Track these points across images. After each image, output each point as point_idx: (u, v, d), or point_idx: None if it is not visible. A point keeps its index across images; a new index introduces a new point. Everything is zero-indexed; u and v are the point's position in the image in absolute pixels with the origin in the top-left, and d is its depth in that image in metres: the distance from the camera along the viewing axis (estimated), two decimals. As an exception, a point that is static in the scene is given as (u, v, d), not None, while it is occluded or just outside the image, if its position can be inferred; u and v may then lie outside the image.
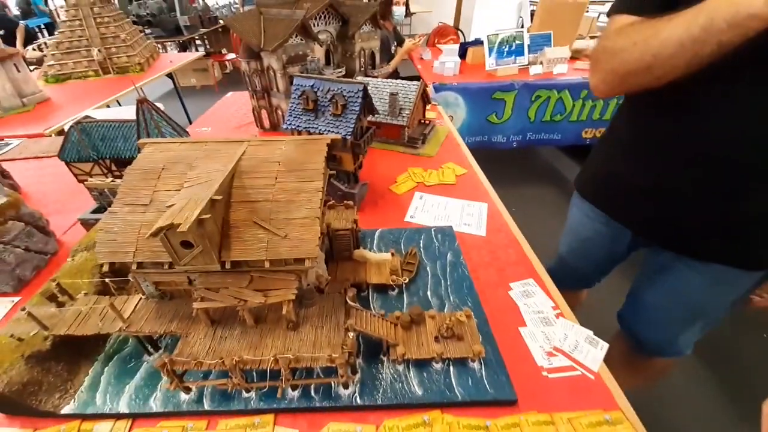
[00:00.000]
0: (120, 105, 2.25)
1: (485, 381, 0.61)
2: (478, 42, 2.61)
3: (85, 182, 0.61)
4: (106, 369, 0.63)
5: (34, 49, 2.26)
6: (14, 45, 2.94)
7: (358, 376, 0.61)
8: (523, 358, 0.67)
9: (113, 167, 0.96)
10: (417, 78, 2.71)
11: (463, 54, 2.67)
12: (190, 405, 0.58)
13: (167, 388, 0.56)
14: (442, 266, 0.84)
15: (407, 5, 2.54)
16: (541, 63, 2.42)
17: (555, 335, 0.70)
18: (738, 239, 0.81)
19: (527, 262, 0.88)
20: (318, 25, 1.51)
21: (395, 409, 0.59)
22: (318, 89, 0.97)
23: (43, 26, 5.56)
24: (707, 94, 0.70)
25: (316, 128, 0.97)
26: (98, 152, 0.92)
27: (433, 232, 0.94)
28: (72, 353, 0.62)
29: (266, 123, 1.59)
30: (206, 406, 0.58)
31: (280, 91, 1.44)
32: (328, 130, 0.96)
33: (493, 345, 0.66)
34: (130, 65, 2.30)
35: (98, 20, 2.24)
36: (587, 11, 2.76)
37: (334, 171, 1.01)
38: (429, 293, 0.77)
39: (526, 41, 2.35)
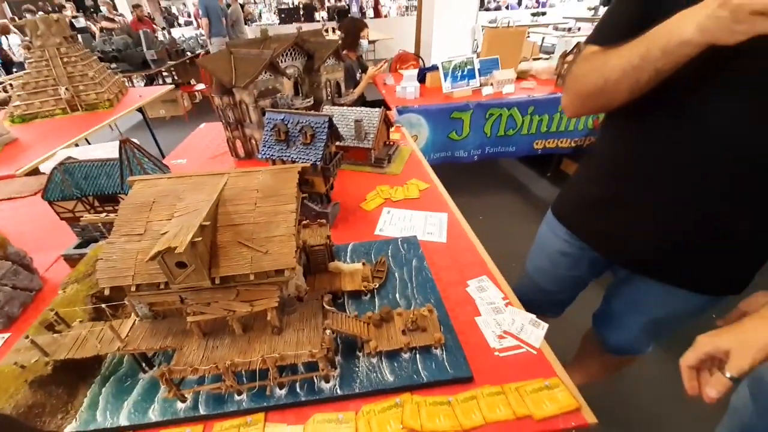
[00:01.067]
0: (89, 143, 2.27)
1: (446, 363, 0.71)
2: (434, 68, 2.85)
3: (81, 218, 0.68)
4: (103, 389, 0.68)
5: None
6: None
7: (337, 371, 0.70)
8: (478, 342, 0.78)
9: (95, 203, 1.02)
10: (382, 101, 2.92)
11: (422, 78, 2.90)
12: (186, 412, 0.65)
13: (165, 396, 0.63)
14: (408, 271, 0.95)
15: (366, 36, 2.74)
16: (491, 84, 2.68)
17: (504, 321, 0.82)
18: (687, 262, 0.84)
19: (482, 262, 1.01)
20: (285, 60, 1.64)
21: (371, 395, 0.68)
22: (288, 122, 1.08)
23: (-2, 65, 5.41)
24: (669, 115, 0.74)
25: (289, 156, 1.08)
26: (81, 190, 0.98)
27: (399, 242, 1.06)
28: (71, 377, 0.67)
29: (241, 152, 1.67)
30: (202, 411, 0.65)
31: (252, 122, 1.55)
32: (300, 158, 1.07)
33: (453, 333, 0.77)
34: (99, 102, 2.33)
35: (65, 60, 2.28)
36: (528, 36, 3.10)
37: (306, 194, 1.11)
38: (397, 295, 0.88)
39: (477, 65, 2.61)
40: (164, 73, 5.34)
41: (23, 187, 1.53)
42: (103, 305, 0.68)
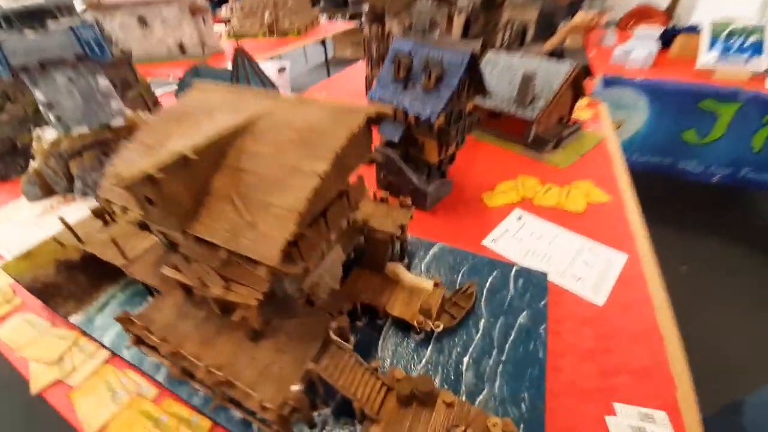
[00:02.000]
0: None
1: None
2: (692, 29, 1.85)
3: (138, 114, 0.61)
4: (118, 294, 0.65)
5: (226, 10, 2.79)
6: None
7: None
8: None
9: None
10: (585, 68, 2.14)
11: (667, 42, 1.94)
12: (150, 368, 0.53)
13: (128, 343, 0.52)
14: (505, 327, 0.57)
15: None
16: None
17: None
18: None
19: (666, 375, 0.51)
20: (462, -14, 1.27)
21: None
22: (415, 54, 0.77)
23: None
24: None
25: (401, 103, 0.79)
26: (206, 94, 0.97)
27: (513, 272, 0.66)
28: (98, 271, 0.65)
29: (379, 95, 1.48)
30: (160, 379, 0.52)
31: (398, 60, 1.29)
32: (413, 107, 0.76)
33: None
34: (291, 29, 2.59)
35: (277, -13, 2.57)
36: None
37: (412, 159, 0.81)
38: (467, 360, 0.52)
39: (775, 34, 1.51)
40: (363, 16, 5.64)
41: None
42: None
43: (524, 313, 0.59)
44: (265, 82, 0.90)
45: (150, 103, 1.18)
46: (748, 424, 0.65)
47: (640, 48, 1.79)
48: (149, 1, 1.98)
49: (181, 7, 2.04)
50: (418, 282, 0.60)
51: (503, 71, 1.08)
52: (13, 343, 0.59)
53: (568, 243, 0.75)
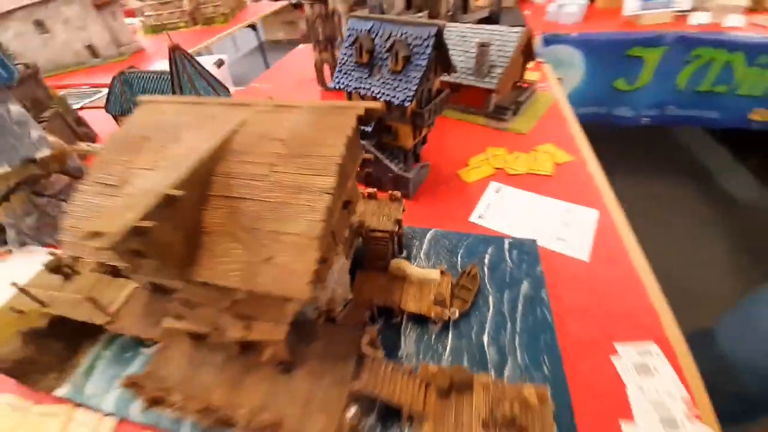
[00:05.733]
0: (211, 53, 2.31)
1: None
2: (614, -23, 1.96)
3: (72, 146, 0.52)
4: (103, 353, 0.58)
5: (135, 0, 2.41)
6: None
7: (364, 446, 0.45)
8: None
9: (158, 123, 0.89)
10: (523, 28, 2.20)
11: (595, -7, 2.04)
12: (169, 424, 0.49)
13: (144, 407, 0.48)
14: (512, 299, 0.60)
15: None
16: (708, 10, 1.71)
17: (687, 456, 0.43)
18: None
19: (651, 312, 0.58)
20: (399, -46, 1.21)
21: None
22: (376, 34, 0.73)
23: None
24: None
25: (369, 88, 0.76)
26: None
27: (506, 245, 0.69)
28: (73, 332, 0.57)
29: (328, 80, 1.41)
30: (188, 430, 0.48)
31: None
32: (383, 93, 0.73)
33: (576, 451, 0.42)
34: (215, 15, 2.32)
35: (190, -30, 2.26)
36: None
37: (386, 148, 0.79)
38: (486, 339, 0.55)
39: (691, -24, 1.66)
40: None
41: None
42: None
43: (525, 282, 0.62)
44: (214, 85, 0.80)
45: (72, 121, 1.02)
46: (716, 352, 0.77)
47: (570, 3, 1.87)
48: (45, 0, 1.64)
49: (83, 3, 1.72)
50: (425, 274, 0.60)
51: (458, 42, 1.07)
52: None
53: (546, 207, 0.80)
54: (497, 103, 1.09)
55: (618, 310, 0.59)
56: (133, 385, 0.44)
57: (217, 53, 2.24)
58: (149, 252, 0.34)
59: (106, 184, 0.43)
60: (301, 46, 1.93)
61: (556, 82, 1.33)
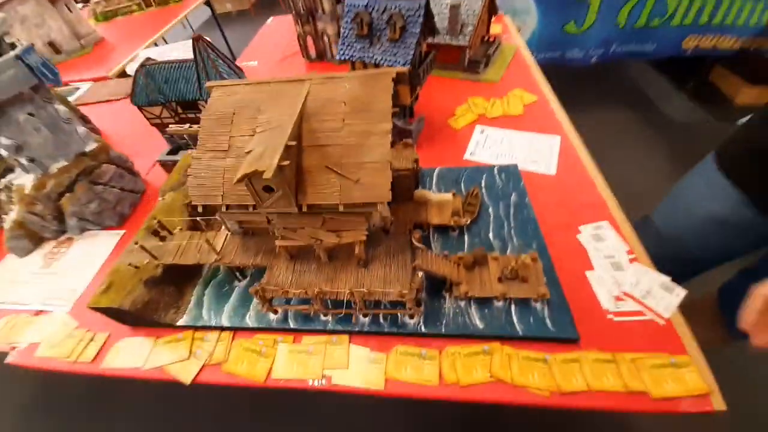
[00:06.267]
0: (166, 42, 2.23)
1: (547, 320, 0.62)
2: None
3: (167, 128, 0.65)
4: (205, 292, 0.74)
5: None
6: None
7: (422, 308, 0.66)
8: (587, 300, 0.66)
9: (179, 109, 0.99)
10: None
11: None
12: (278, 323, 0.68)
13: (259, 310, 0.66)
14: (505, 207, 0.81)
15: None
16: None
17: (625, 280, 0.68)
18: None
19: (601, 203, 0.82)
20: None
21: (457, 338, 0.63)
22: (373, 9, 0.87)
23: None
24: None
25: (372, 57, 0.90)
26: (164, 95, 0.95)
27: (496, 171, 0.90)
28: (178, 278, 0.73)
29: (312, 51, 1.50)
30: (291, 325, 0.67)
31: (325, 12, 1.32)
32: (385, 59, 0.88)
33: (558, 288, 0.66)
34: (170, -6, 2.23)
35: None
36: None
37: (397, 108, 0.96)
38: (491, 235, 0.77)
39: None
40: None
41: (117, 88, 1.59)
42: (198, 218, 0.68)
43: (513, 195, 0.84)
44: (234, 69, 0.91)
45: (78, 119, 1.08)
46: (654, 232, 1.01)
47: (518, -46, 1.99)
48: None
49: (38, -1, 1.63)
50: (440, 197, 0.80)
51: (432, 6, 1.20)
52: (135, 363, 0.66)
53: (521, 140, 1.01)
54: (470, 58, 1.25)
55: (578, 204, 0.82)
56: (259, 291, 0.61)
57: (171, 36, 2.19)
58: (278, 185, 0.51)
59: (217, 150, 0.57)
60: (270, 20, 1.95)
61: (516, 32, 1.50)
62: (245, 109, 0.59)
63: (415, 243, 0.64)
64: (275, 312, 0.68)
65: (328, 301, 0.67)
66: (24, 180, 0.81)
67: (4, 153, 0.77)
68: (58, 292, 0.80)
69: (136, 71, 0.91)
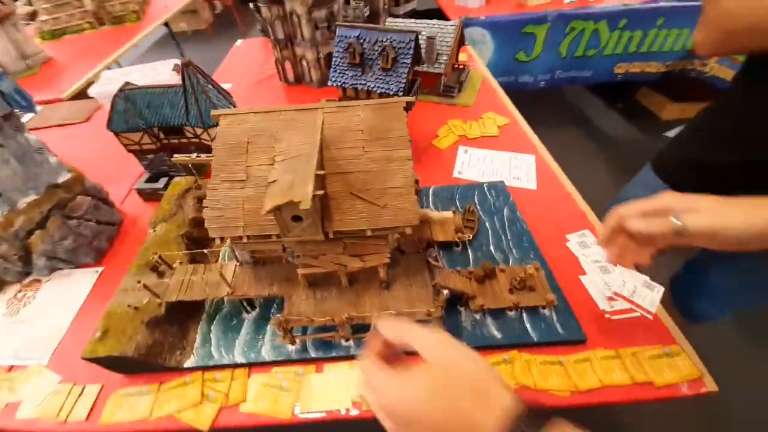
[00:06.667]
0: (119, 65, 2.10)
1: (556, 324, 0.67)
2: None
3: (173, 158, 0.62)
4: (212, 327, 0.70)
5: (24, 4, 2.04)
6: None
7: (444, 326, 0.68)
8: (586, 303, 0.72)
9: (161, 135, 0.95)
10: (437, 11, 2.49)
11: (491, -19, 2.40)
12: (298, 354, 0.66)
13: (279, 341, 0.64)
14: (500, 221, 0.87)
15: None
16: (579, -10, 2.20)
17: (614, 282, 0.76)
18: None
19: (581, 213, 0.91)
20: (339, -43, 1.35)
21: (478, 350, 0.65)
22: (364, 40, 0.91)
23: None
24: None
25: (365, 84, 0.94)
26: (146, 121, 0.90)
27: (486, 188, 0.96)
28: (180, 315, 0.68)
29: (290, 75, 1.51)
30: (312, 354, 0.65)
31: (305, 39, 1.35)
32: (378, 86, 0.93)
33: (560, 293, 0.72)
34: (126, 13, 2.10)
35: (82, -39, 2.00)
36: None
37: None
38: (492, 248, 0.82)
39: (561, -38, 2.11)
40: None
41: (72, 112, 1.47)
42: (206, 251, 0.65)
43: (504, 209, 0.90)
44: (224, 94, 0.90)
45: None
46: None
47: (473, -12, 2.20)
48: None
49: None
50: (442, 215, 0.84)
51: (408, 36, 1.28)
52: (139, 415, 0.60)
53: (501, 158, 1.09)
54: (445, 83, 1.34)
55: (562, 215, 0.91)
56: (281, 323, 0.59)
57: (124, 57, 2.06)
58: (308, 214, 0.51)
59: (233, 180, 0.56)
60: (239, 42, 1.93)
61: (480, 60, 1.64)
62: (260, 138, 0.59)
63: (432, 262, 0.67)
64: (293, 342, 0.66)
65: (347, 326, 0.66)
66: (-18, 220, 0.72)
67: (-39, 190, 0.68)
68: (31, 342, 0.71)
69: (115, 96, 0.86)
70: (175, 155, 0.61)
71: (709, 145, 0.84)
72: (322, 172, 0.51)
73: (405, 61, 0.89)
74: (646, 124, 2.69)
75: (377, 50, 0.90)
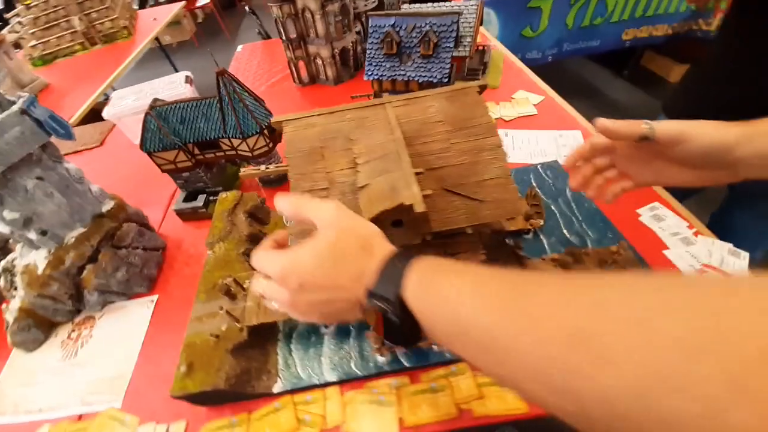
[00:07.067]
0: (113, 88, 2.02)
1: (655, 305, 0.64)
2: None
3: (240, 172, 0.57)
4: (291, 347, 0.66)
5: (9, 32, 1.95)
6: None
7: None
8: (677, 278, 0.69)
9: (195, 151, 0.90)
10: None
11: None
12: (390, 365, 0.62)
13: (374, 353, 0.60)
14: (565, 203, 0.83)
15: None
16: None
17: (700, 253, 0.72)
18: None
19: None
20: (345, -55, 1.29)
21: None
22: (400, 27, 0.86)
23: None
24: None
25: (404, 74, 0.89)
26: (180, 137, 0.85)
27: (541, 169, 0.92)
28: (259, 339, 0.64)
29: (304, 76, 1.45)
30: (406, 363, 0.62)
31: (319, 36, 1.29)
32: (418, 75, 0.88)
33: (651, 271, 0.68)
34: (117, 30, 2.02)
35: (67, -19, 1.91)
36: None
37: None
38: (566, 232, 0.78)
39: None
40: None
41: (83, 137, 1.41)
42: (281, 268, 0.61)
43: (566, 190, 0.86)
44: (259, 100, 0.85)
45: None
46: None
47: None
48: None
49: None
50: (507, 203, 0.80)
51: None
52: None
53: (546, 137, 1.05)
54: (469, 66, 1.29)
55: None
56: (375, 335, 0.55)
57: (125, 77, 1.99)
58: (409, 219, 0.47)
59: (316, 189, 0.52)
60: (239, 48, 1.86)
61: (494, 38, 1.59)
62: (334, 141, 0.54)
63: (519, 252, 0.63)
64: (382, 354, 0.62)
65: (440, 331, 0.63)
66: (32, 258, 0.67)
67: (6, 230, 0.63)
68: (98, 384, 0.66)
69: (146, 115, 0.81)
70: (243, 170, 0.56)
71: (712, 84, 0.88)
72: (421, 170, 0.46)
73: (447, 45, 0.84)
74: (655, 88, 2.66)
75: (415, 37, 0.85)
